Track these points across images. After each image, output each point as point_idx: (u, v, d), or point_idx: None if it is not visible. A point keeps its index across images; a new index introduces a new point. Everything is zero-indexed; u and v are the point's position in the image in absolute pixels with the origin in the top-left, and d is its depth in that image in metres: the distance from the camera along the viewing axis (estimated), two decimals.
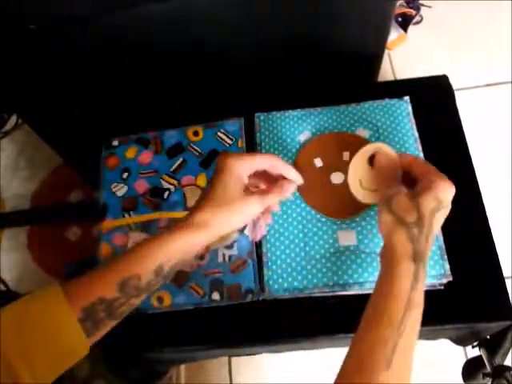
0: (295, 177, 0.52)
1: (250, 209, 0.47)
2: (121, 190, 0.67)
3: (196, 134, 0.69)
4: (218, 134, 0.69)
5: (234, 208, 0.45)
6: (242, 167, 0.47)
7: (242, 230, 0.61)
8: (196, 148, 0.68)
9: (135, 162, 0.69)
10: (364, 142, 0.64)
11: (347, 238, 0.58)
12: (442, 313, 0.56)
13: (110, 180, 0.68)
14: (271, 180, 0.52)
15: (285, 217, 0.61)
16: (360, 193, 0.53)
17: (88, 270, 0.43)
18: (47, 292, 0.40)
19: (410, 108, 0.66)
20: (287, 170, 0.51)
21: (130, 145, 0.70)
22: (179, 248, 0.44)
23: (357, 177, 0.53)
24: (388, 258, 0.44)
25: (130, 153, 0.70)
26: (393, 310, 0.40)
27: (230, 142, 0.68)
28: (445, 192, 0.45)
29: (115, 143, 0.71)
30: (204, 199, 0.46)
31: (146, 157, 0.69)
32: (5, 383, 0.35)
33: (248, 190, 0.50)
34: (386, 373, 0.38)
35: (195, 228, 0.44)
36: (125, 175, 0.68)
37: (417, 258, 0.41)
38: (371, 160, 0.53)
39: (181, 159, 0.68)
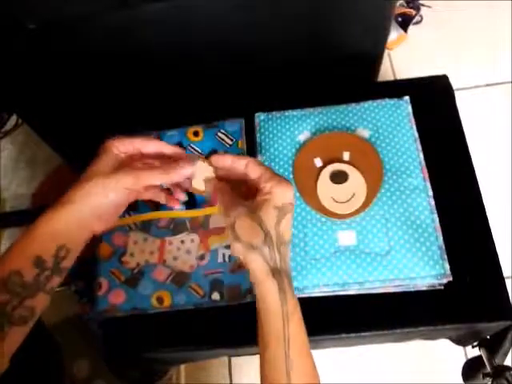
0: (166, 148, 0.48)
1: (117, 180, 0.43)
2: None
3: (196, 134, 0.69)
4: (219, 134, 0.69)
5: (98, 180, 0.43)
6: (117, 145, 0.46)
7: None
8: (196, 148, 0.68)
9: None
10: (364, 142, 0.64)
11: (347, 238, 0.58)
12: (442, 313, 0.56)
13: None
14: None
15: None
16: (336, 207, 0.59)
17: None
18: None
19: (409, 108, 0.66)
20: (158, 145, 0.48)
21: None
22: (51, 232, 0.42)
23: (328, 195, 0.60)
24: (252, 278, 0.43)
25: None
26: (274, 326, 0.42)
27: (230, 142, 0.68)
28: (281, 197, 0.43)
29: None
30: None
31: None
32: None
33: (128, 167, 0.47)
34: None
35: (60, 206, 0.42)
36: None
37: (276, 273, 0.41)
38: (332, 177, 0.61)
39: None
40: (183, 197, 0.52)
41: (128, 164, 0.47)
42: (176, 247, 0.62)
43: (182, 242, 0.62)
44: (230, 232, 0.44)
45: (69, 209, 0.42)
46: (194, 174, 0.46)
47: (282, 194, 0.43)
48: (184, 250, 0.61)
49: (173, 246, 0.62)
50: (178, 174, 0.45)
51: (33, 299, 0.41)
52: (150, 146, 0.48)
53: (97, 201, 0.43)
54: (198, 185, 0.47)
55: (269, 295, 0.42)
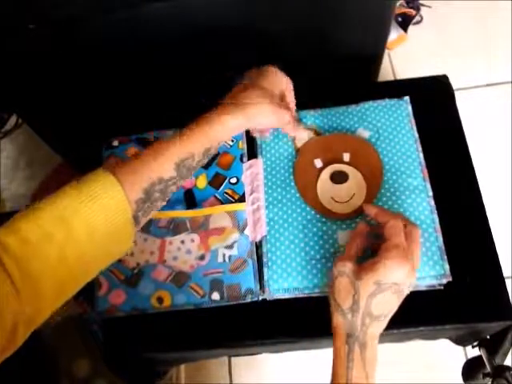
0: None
1: (280, 115, 0.53)
2: None
3: None
4: None
5: (268, 105, 0.51)
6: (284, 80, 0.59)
7: (242, 230, 0.61)
8: None
9: None
10: (364, 142, 0.64)
11: (347, 239, 0.58)
12: (442, 313, 0.56)
13: None
14: None
15: (285, 217, 0.61)
16: (336, 207, 0.60)
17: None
18: (100, 189, 0.41)
19: (409, 108, 0.66)
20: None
21: (129, 145, 0.70)
22: (227, 129, 0.48)
23: (328, 195, 0.61)
24: (332, 329, 0.47)
25: (130, 153, 0.69)
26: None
27: (230, 142, 0.68)
28: (386, 275, 0.44)
29: (115, 143, 0.71)
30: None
31: None
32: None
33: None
34: None
35: (234, 106, 0.49)
36: None
37: (350, 338, 0.44)
38: (332, 177, 0.62)
39: None
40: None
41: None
42: (176, 247, 0.62)
43: (182, 242, 0.62)
44: (330, 280, 0.48)
45: (242, 111, 0.49)
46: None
47: (389, 272, 0.44)
48: (184, 250, 0.61)
49: (173, 246, 0.62)
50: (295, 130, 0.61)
51: (183, 181, 0.47)
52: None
53: (261, 114, 0.51)
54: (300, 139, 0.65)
55: (338, 355, 0.44)
